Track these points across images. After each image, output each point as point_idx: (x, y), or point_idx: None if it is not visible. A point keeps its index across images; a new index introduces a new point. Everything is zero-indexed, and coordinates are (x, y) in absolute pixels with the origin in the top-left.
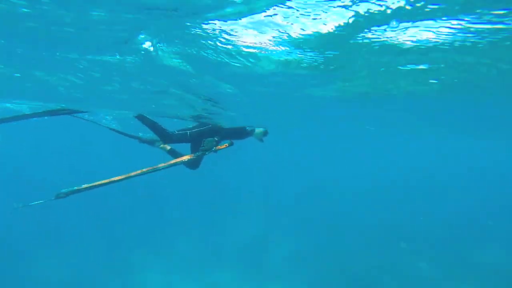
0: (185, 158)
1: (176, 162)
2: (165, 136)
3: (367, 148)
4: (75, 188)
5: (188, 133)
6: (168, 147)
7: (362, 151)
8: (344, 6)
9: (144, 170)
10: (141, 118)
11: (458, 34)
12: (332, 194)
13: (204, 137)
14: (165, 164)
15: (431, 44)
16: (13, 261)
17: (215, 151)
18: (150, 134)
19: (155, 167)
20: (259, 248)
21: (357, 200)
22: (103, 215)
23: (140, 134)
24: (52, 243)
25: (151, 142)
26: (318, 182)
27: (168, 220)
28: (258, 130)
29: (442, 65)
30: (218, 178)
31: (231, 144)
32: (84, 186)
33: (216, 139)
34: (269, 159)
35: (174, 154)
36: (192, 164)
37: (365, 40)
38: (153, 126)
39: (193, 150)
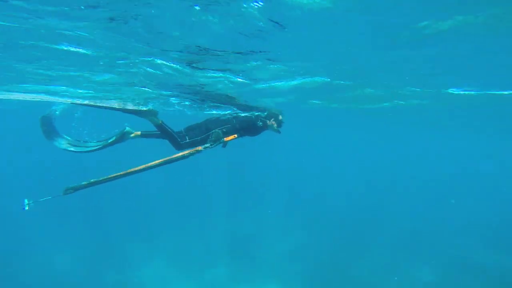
0: (191, 151)
1: (190, 153)
2: (177, 145)
3: (363, 148)
4: (84, 183)
5: (199, 139)
6: (139, 133)
7: (357, 151)
8: None
9: (155, 162)
10: (162, 127)
11: None
12: (331, 192)
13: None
14: (180, 155)
15: None
16: (7, 254)
17: (224, 144)
18: (113, 136)
19: (167, 158)
20: (253, 244)
21: (356, 198)
22: (99, 208)
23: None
24: (48, 236)
25: (120, 139)
26: (317, 179)
27: (163, 214)
28: (271, 122)
29: None
30: (216, 173)
31: (240, 135)
32: (92, 180)
33: (224, 130)
34: (266, 153)
35: (148, 135)
36: (177, 146)
37: None
38: (170, 135)
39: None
